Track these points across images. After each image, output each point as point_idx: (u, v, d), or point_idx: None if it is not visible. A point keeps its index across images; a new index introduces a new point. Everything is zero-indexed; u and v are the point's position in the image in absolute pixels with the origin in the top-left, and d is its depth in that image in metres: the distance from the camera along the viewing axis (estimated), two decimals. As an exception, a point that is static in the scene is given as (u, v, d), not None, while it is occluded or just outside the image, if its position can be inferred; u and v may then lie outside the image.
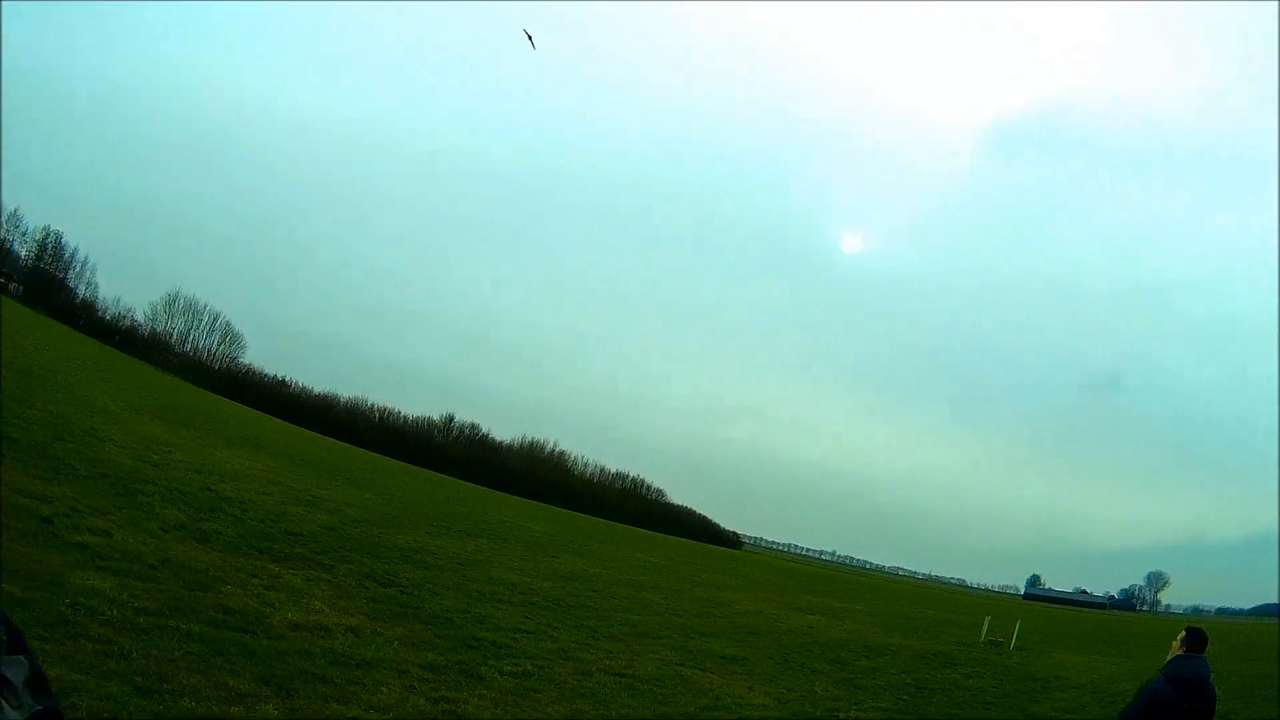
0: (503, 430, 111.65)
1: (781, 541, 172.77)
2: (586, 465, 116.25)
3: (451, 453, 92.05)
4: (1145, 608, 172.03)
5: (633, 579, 28.31)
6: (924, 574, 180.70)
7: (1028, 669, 23.56)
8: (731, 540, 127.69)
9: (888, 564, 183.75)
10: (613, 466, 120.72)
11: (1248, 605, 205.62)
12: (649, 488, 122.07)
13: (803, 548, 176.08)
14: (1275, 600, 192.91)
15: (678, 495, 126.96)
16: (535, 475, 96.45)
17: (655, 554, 47.37)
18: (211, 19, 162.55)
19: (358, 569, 14.64)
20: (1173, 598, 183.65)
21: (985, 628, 32.71)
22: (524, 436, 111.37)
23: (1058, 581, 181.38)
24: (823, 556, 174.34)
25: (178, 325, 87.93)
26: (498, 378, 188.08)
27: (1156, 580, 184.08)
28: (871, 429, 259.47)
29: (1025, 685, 19.78)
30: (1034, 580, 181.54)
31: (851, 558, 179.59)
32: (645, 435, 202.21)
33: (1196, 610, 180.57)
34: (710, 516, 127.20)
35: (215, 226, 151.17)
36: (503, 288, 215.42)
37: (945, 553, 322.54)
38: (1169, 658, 6.74)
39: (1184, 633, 6.91)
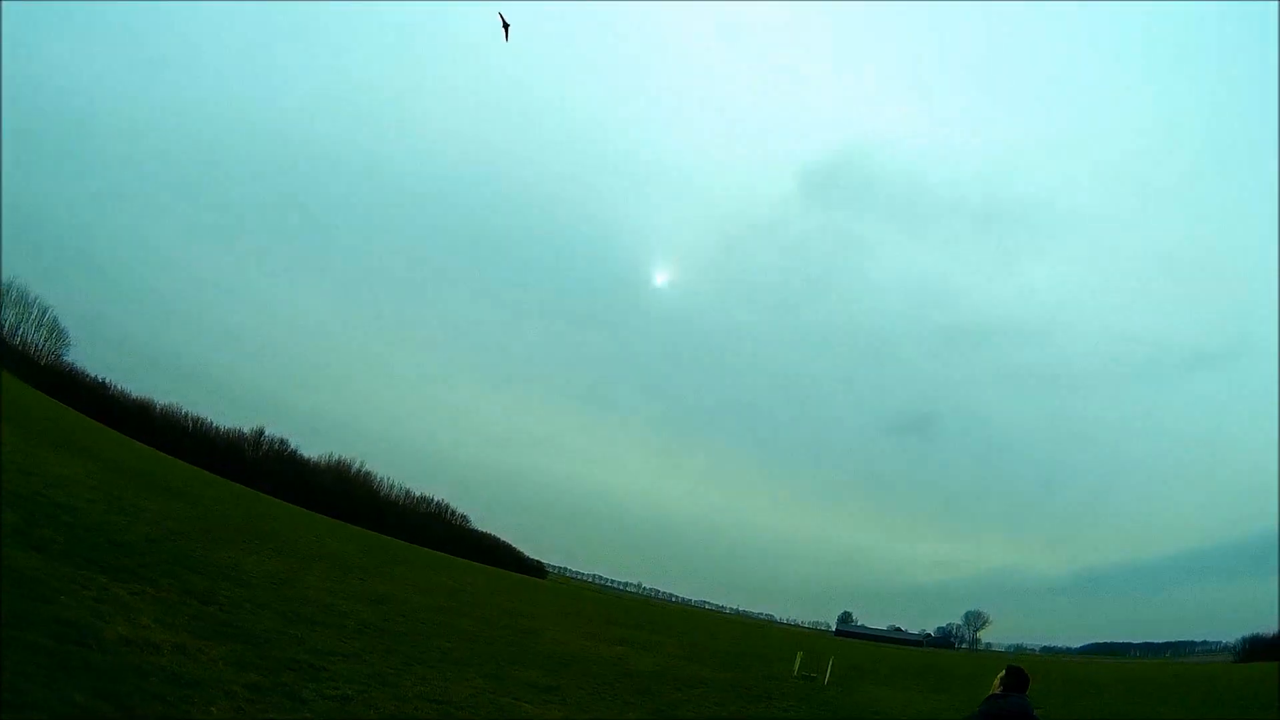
0: (311, 447, 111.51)
1: (586, 572, 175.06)
2: (393, 487, 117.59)
3: (261, 466, 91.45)
4: (965, 645, 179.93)
5: (442, 604, 28.83)
6: (731, 609, 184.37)
7: (844, 704, 24.56)
8: (536, 569, 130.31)
9: (694, 598, 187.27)
10: (418, 490, 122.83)
11: (1076, 644, 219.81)
12: (454, 513, 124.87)
13: (607, 579, 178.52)
14: (1107, 639, 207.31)
15: (482, 522, 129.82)
16: (343, 494, 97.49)
17: (461, 579, 47.98)
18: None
19: (180, 584, 14.78)
20: (995, 636, 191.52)
21: (798, 662, 34.02)
22: (332, 454, 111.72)
23: (870, 619, 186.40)
24: (627, 588, 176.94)
25: (8, 317, 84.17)
26: (308, 393, 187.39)
27: (975, 619, 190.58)
28: (680, 465, 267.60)
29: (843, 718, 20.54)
30: (845, 617, 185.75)
31: (656, 590, 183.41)
32: (452, 460, 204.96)
33: (1019, 648, 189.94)
34: (515, 544, 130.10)
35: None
36: (313, 301, 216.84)
37: (753, 589, 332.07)
38: (988, 695, 7.16)
39: (1004, 671, 7.32)
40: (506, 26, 24.04)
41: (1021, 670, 7.30)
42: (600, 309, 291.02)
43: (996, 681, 7.28)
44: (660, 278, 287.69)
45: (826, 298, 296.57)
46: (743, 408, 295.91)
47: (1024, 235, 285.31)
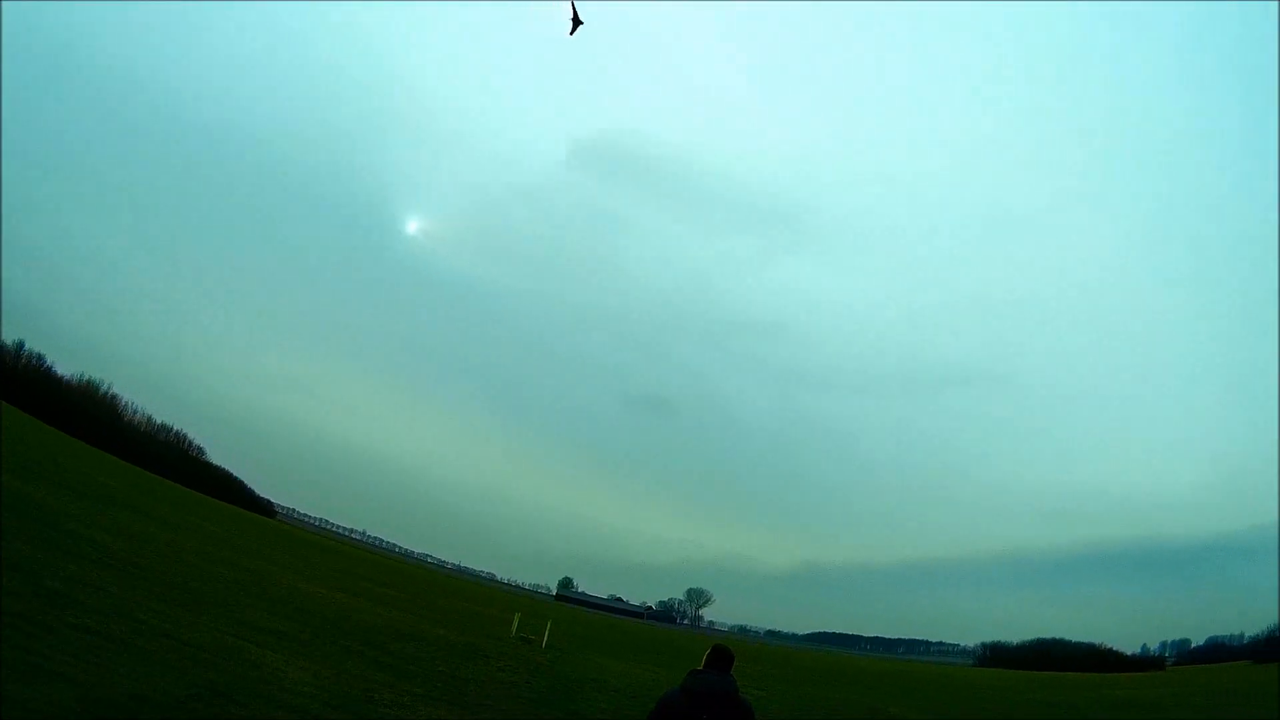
0: (68, 366, 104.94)
1: (314, 515, 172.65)
2: (136, 412, 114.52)
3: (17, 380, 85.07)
4: (687, 622, 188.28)
5: (184, 544, 28.02)
6: (454, 564, 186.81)
7: (559, 669, 25.27)
8: (265, 508, 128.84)
9: (417, 549, 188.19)
10: (160, 418, 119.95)
11: (802, 631, 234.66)
12: (191, 443, 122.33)
13: (334, 524, 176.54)
14: (835, 630, 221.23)
15: (218, 456, 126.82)
16: (90, 414, 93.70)
17: (197, 513, 46.75)
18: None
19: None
20: (718, 616, 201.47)
21: (516, 624, 35.22)
22: (84, 374, 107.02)
23: (592, 587, 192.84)
24: (352, 535, 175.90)
25: None
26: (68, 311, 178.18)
27: (698, 596, 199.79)
28: (418, 417, 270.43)
29: (561, 684, 21.26)
30: (566, 582, 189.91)
31: (381, 540, 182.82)
32: (194, 390, 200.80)
33: (743, 630, 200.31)
34: (247, 481, 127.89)
35: None
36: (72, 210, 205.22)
37: (478, 546, 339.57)
38: (691, 670, 7.22)
39: (710, 649, 7.45)
40: (577, 22, 22.93)
41: (726, 648, 7.46)
42: (349, 250, 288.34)
43: (705, 658, 7.40)
44: (413, 226, 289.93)
45: (583, 270, 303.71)
46: (487, 366, 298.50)
47: (789, 236, 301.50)
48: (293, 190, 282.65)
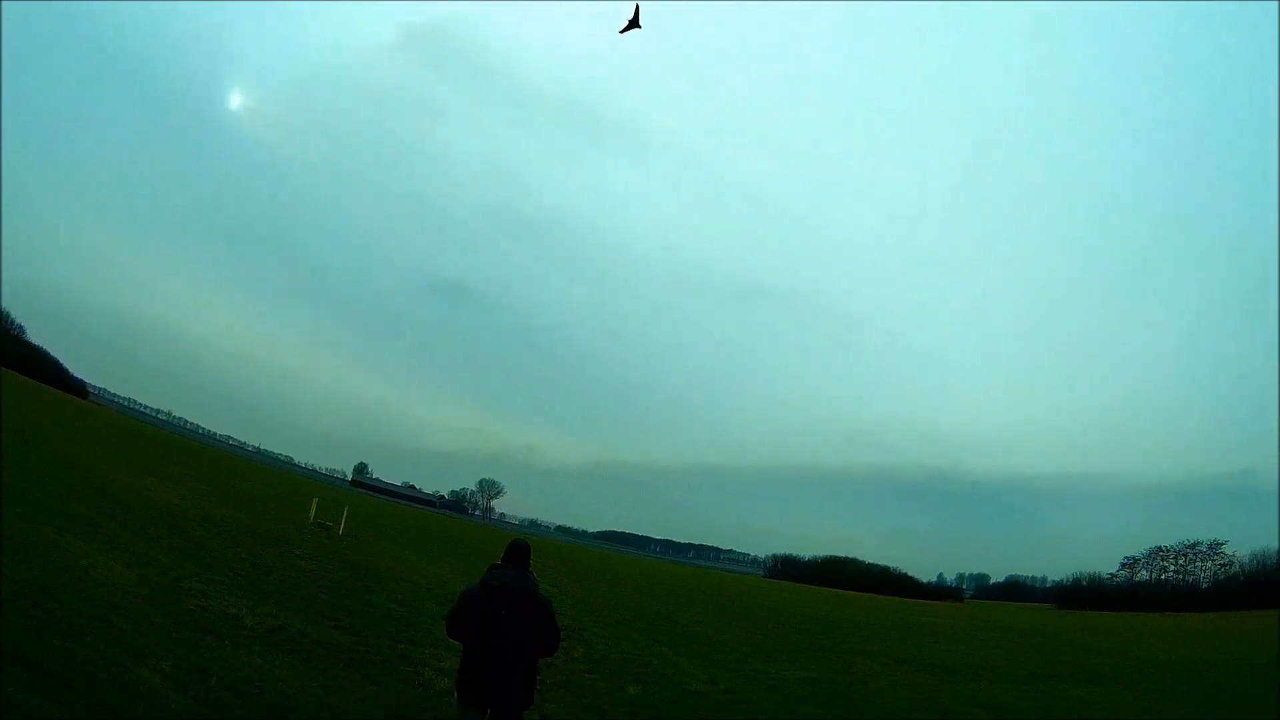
0: None
1: (123, 395, 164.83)
2: None
3: None
4: (478, 513, 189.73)
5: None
6: (254, 446, 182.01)
7: (359, 558, 25.61)
8: (79, 389, 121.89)
9: (219, 431, 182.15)
10: None
11: (592, 529, 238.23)
12: (12, 322, 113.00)
13: (141, 405, 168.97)
14: (625, 530, 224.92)
15: (36, 335, 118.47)
16: None
17: (7, 399, 44.40)
18: None
19: None
20: (509, 509, 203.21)
21: (314, 509, 35.65)
22: None
23: (386, 473, 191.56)
24: (159, 415, 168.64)
25: None
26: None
27: (489, 488, 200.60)
28: (223, 294, 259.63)
29: (358, 574, 21.65)
30: (361, 468, 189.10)
31: (185, 420, 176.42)
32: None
33: (534, 524, 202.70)
34: (63, 361, 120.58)
35: None
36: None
37: (275, 428, 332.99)
38: (490, 565, 7.29)
39: (509, 545, 7.55)
40: (634, 24, 21.63)
41: (524, 543, 7.54)
42: (165, 121, 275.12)
43: (503, 553, 7.48)
44: (236, 100, 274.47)
45: (400, 156, 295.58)
46: (297, 246, 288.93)
47: (616, 143, 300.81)
48: (108, 51, 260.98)
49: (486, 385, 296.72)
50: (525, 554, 7.35)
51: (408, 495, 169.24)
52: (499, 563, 7.23)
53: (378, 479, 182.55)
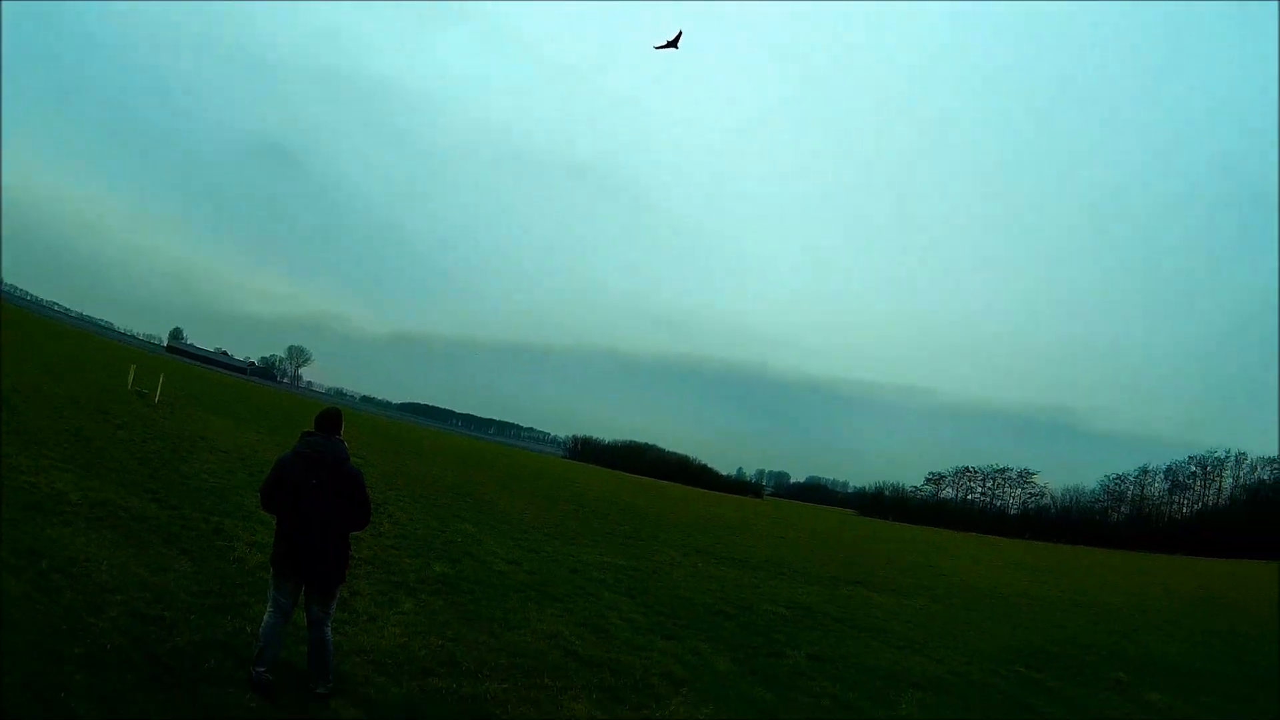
0: None
1: None
2: None
3: None
4: (286, 380, 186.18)
5: None
6: (77, 312, 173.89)
7: (174, 427, 25.35)
8: None
9: (45, 296, 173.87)
10: None
11: (396, 400, 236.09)
12: None
13: None
14: (428, 403, 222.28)
15: None
16: None
17: None
18: None
19: None
20: (316, 377, 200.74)
21: (131, 377, 35.15)
22: None
23: (201, 339, 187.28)
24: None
25: None
26: None
27: (298, 355, 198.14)
28: (42, 150, 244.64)
29: (174, 444, 21.38)
30: (177, 333, 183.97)
31: (15, 287, 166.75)
32: None
33: (340, 394, 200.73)
34: None
35: None
36: None
37: (89, 289, 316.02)
38: (304, 432, 7.20)
39: (320, 413, 7.39)
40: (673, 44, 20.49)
41: (335, 410, 7.40)
42: None
43: (314, 421, 7.39)
44: None
45: (228, 13, 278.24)
46: (111, 99, 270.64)
47: (452, 24, 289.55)
48: None
49: (301, 251, 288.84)
50: (336, 421, 7.31)
51: (220, 362, 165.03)
52: (311, 430, 7.19)
53: (192, 345, 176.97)
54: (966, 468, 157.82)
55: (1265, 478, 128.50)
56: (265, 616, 6.90)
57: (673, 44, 25.06)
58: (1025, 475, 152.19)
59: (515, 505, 28.62)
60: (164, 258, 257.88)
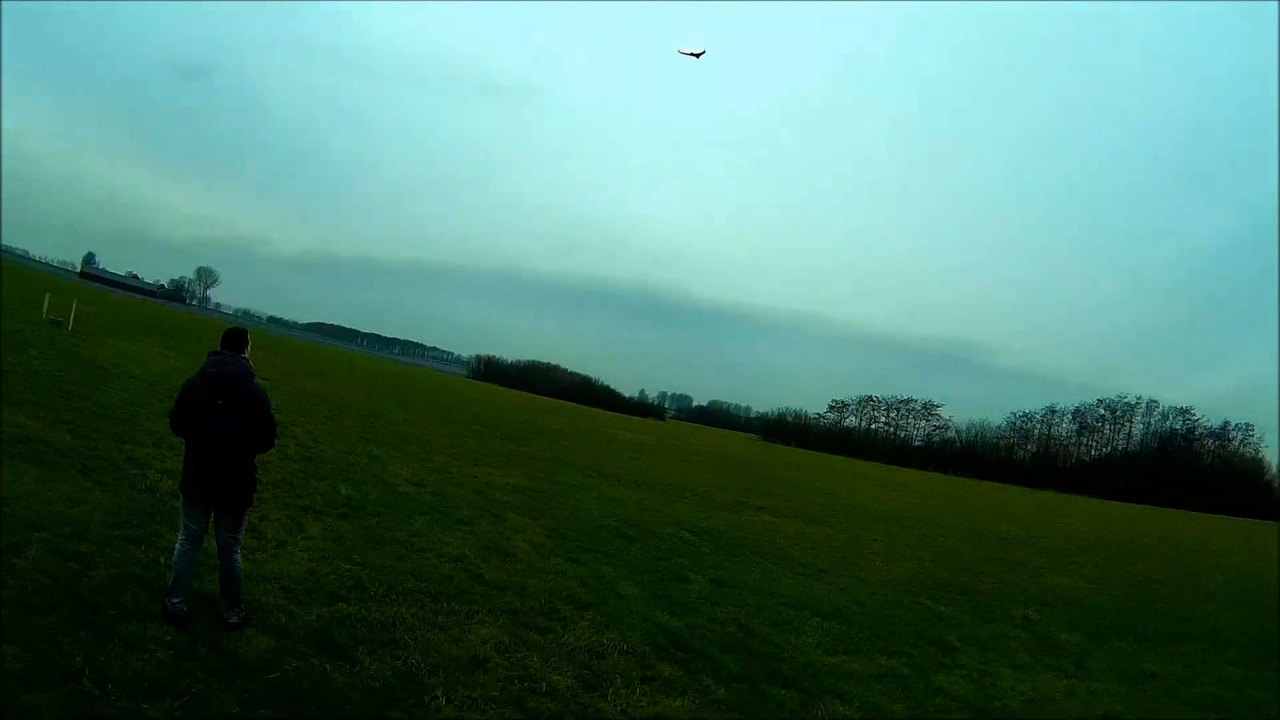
0: None
1: None
2: None
3: None
4: (195, 302, 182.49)
5: None
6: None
7: (88, 354, 24.93)
8: None
9: None
10: None
11: (303, 320, 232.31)
12: None
13: None
14: (331, 321, 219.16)
15: None
16: None
17: None
18: None
19: None
20: (225, 298, 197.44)
21: (46, 305, 34.37)
22: None
23: (112, 263, 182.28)
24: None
25: None
26: None
27: (206, 276, 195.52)
28: None
29: (90, 372, 21.13)
30: (90, 258, 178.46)
31: None
32: None
33: (247, 314, 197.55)
34: None
35: None
36: None
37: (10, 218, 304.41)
38: (210, 352, 7.11)
39: (225, 332, 7.34)
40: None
41: (240, 329, 7.34)
42: None
43: (220, 340, 7.34)
44: None
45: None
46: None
47: None
48: None
49: (213, 172, 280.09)
50: (242, 339, 7.26)
51: (131, 286, 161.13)
52: (217, 350, 7.12)
53: (104, 270, 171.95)
54: (870, 397, 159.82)
55: (1177, 427, 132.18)
56: (177, 545, 6.91)
57: (696, 55, 25.52)
58: (930, 407, 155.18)
59: (419, 426, 28.69)
60: (85, 184, 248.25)
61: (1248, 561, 32.06)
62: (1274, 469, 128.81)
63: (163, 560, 7.84)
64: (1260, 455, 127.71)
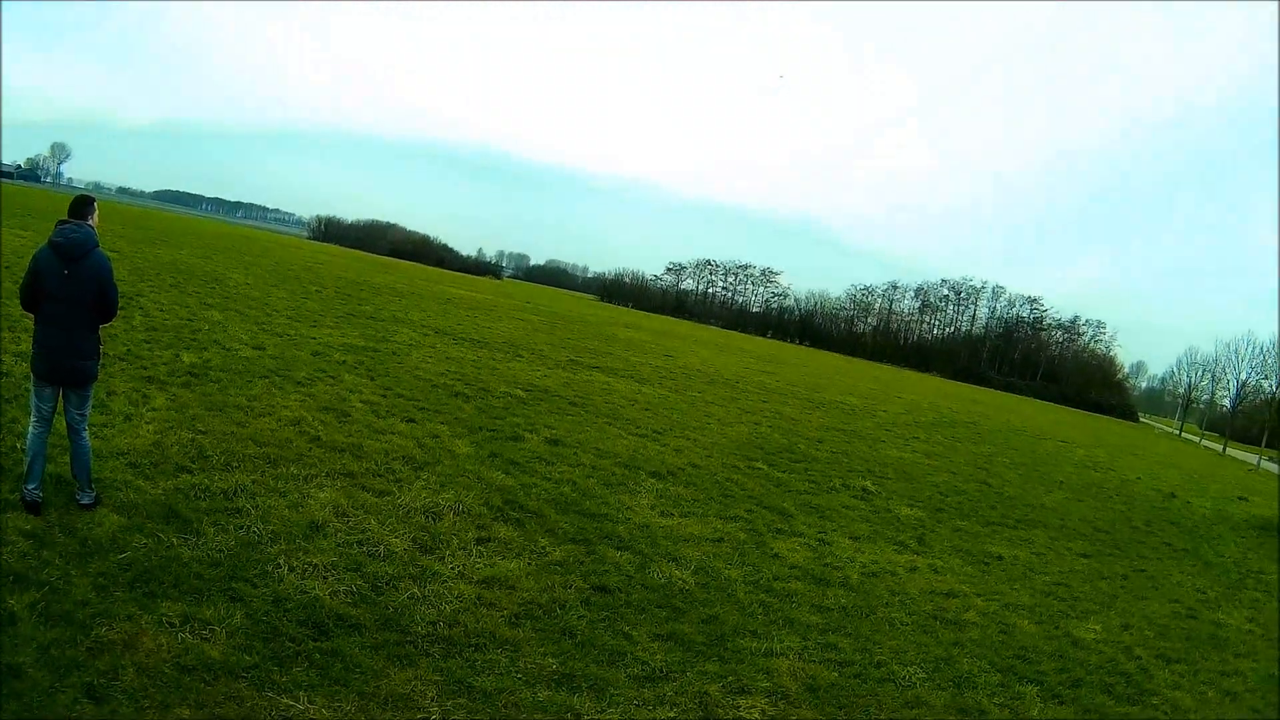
0: None
1: None
2: None
3: None
4: (49, 180, 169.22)
5: None
6: None
7: None
8: None
9: None
10: None
11: (150, 189, 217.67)
12: None
13: None
14: (177, 188, 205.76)
15: None
16: None
17: None
18: None
19: None
20: (76, 172, 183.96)
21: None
22: None
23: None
24: None
25: None
26: None
27: (59, 152, 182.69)
28: None
29: None
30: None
31: None
32: None
33: (98, 186, 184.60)
34: None
35: None
36: None
37: None
38: (58, 221, 6.83)
39: (72, 200, 6.98)
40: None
41: (86, 196, 7.04)
42: None
43: (68, 209, 6.95)
44: None
45: None
46: None
47: None
48: None
49: (61, 40, 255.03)
50: (86, 206, 6.98)
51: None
52: (65, 218, 6.83)
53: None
54: (708, 261, 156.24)
55: (1023, 315, 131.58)
56: (29, 428, 6.79)
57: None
58: (769, 274, 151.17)
59: (259, 289, 27.63)
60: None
61: (1098, 455, 32.41)
62: (1124, 369, 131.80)
63: (19, 446, 7.59)
64: (1112, 353, 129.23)
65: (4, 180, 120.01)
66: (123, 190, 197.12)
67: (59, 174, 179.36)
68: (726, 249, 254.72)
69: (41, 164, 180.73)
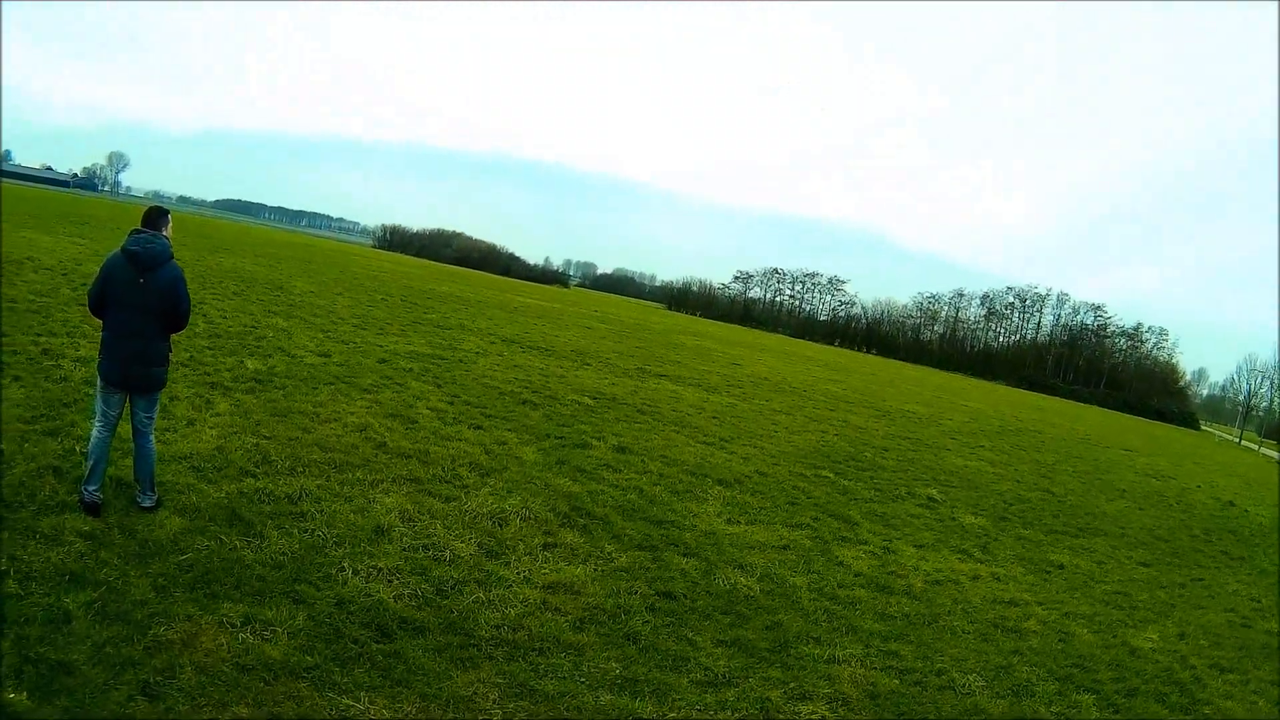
0: None
1: None
2: None
3: None
4: (107, 189, 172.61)
5: None
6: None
7: (5, 251, 22.38)
8: None
9: None
10: None
11: (211, 197, 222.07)
12: None
13: None
14: (237, 197, 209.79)
15: None
16: None
17: None
18: None
19: None
20: (135, 182, 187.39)
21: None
22: None
23: (26, 158, 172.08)
24: None
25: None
26: None
27: (117, 160, 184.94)
28: None
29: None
30: (5, 156, 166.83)
31: None
32: None
33: (158, 195, 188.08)
34: None
35: None
36: None
37: None
38: (132, 230, 6.65)
39: (146, 210, 6.84)
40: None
41: (156, 208, 6.82)
42: None
43: (141, 218, 6.72)
44: None
45: None
46: None
47: None
48: None
49: (110, 52, 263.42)
50: (162, 217, 6.79)
51: (46, 179, 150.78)
52: (139, 228, 6.60)
53: (19, 165, 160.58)
54: (776, 269, 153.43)
55: (1088, 322, 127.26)
56: (93, 432, 6.55)
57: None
58: (836, 283, 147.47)
59: (324, 297, 27.03)
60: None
61: (1159, 463, 31.08)
62: (1186, 376, 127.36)
63: (78, 449, 7.42)
64: (1175, 360, 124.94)
65: (61, 189, 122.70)
66: (183, 199, 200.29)
67: (117, 182, 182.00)
68: (793, 259, 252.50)
69: (98, 173, 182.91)
